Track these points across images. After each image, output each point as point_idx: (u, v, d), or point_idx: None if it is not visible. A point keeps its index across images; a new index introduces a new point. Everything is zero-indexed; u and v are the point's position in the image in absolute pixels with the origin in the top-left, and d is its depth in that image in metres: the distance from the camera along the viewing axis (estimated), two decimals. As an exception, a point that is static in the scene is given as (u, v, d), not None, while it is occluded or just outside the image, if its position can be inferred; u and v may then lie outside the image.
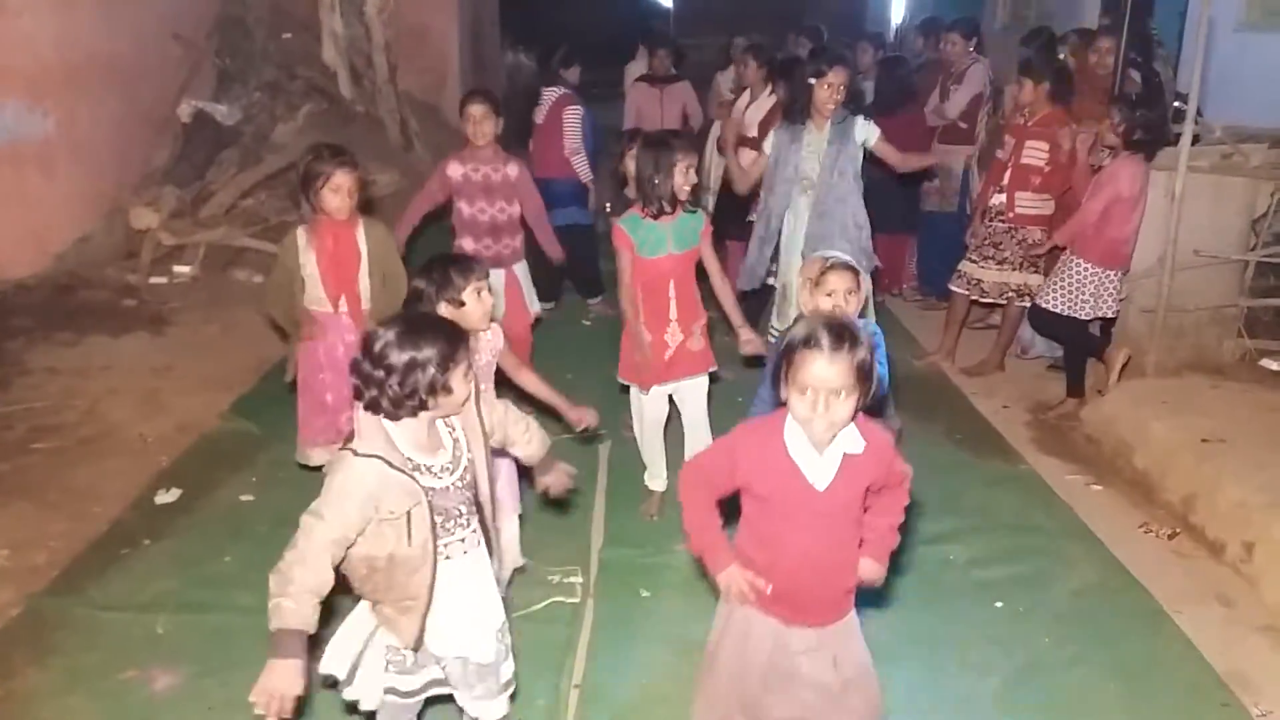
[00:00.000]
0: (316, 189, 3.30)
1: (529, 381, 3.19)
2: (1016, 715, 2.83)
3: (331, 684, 2.25)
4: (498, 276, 4.28)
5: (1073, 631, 3.18)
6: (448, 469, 2.09)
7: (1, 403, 4.63)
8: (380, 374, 1.95)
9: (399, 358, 1.95)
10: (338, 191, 3.31)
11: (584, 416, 2.99)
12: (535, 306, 4.88)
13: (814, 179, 4.31)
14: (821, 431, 1.94)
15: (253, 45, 8.54)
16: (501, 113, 4.47)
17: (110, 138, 6.71)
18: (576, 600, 3.32)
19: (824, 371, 1.87)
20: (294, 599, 1.91)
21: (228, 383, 5.01)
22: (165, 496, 3.96)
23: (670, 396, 3.78)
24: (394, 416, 2.00)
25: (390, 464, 1.98)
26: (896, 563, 2.28)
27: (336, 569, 2.01)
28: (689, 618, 3.19)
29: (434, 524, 2.05)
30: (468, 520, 2.16)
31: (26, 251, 6.03)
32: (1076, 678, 2.97)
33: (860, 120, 4.32)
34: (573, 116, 6.03)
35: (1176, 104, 5.63)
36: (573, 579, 3.41)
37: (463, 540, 2.16)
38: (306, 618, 1.93)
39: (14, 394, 4.73)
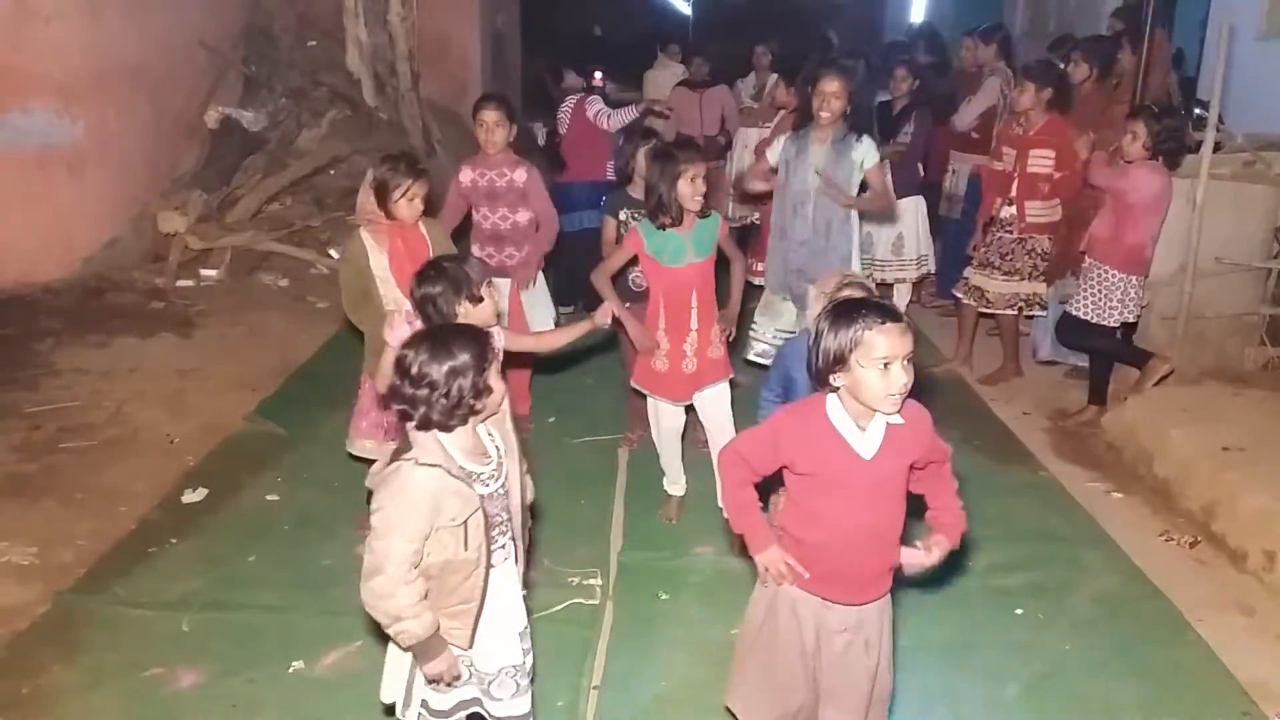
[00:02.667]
0: (394, 199, 3.42)
1: (546, 341, 3.42)
2: (1036, 722, 2.83)
3: (389, 711, 2.33)
4: (503, 285, 4.23)
5: (1093, 639, 3.18)
6: (493, 475, 2.15)
7: (30, 403, 4.70)
8: (424, 391, 1.99)
9: (439, 370, 1.99)
10: (413, 200, 3.46)
11: (598, 319, 3.17)
12: (547, 318, 4.64)
13: (811, 191, 4.22)
14: (897, 401, 2.01)
15: (278, 53, 8.65)
16: (516, 119, 4.41)
17: (138, 143, 6.81)
18: (596, 602, 3.34)
19: (899, 340, 1.98)
20: (409, 620, 2.04)
21: (253, 384, 5.07)
22: (191, 496, 4.01)
23: (691, 404, 3.78)
24: (448, 428, 2.04)
25: (450, 473, 2.03)
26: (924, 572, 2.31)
27: None
28: (707, 620, 3.22)
29: (488, 528, 2.12)
30: (506, 527, 2.22)
31: (55, 254, 6.13)
32: (1097, 685, 2.97)
33: (861, 141, 4.18)
34: (596, 107, 6.09)
35: (1198, 111, 5.60)
36: (592, 581, 3.43)
37: (503, 547, 2.22)
38: (428, 623, 2.07)
39: (43, 394, 4.80)
